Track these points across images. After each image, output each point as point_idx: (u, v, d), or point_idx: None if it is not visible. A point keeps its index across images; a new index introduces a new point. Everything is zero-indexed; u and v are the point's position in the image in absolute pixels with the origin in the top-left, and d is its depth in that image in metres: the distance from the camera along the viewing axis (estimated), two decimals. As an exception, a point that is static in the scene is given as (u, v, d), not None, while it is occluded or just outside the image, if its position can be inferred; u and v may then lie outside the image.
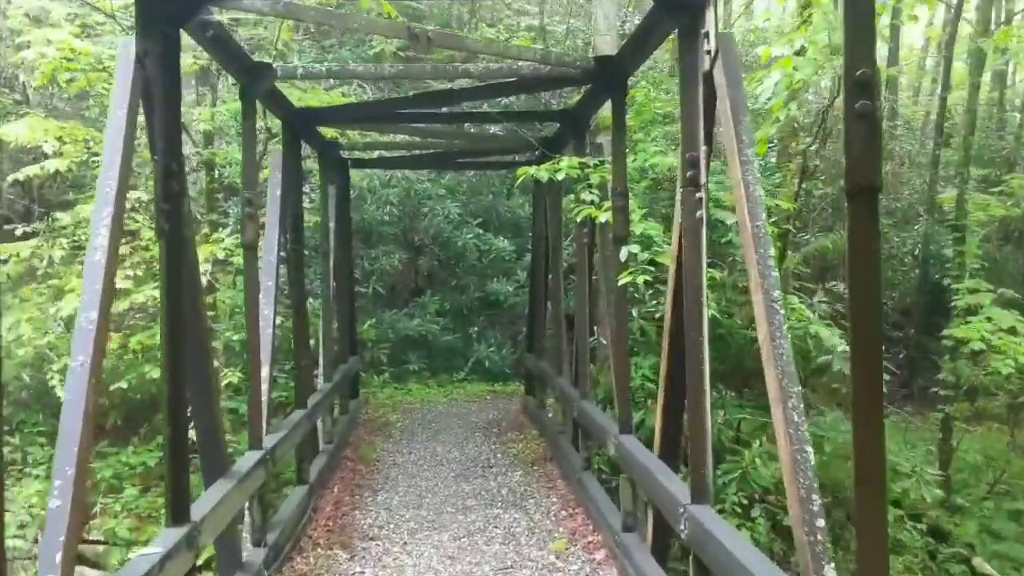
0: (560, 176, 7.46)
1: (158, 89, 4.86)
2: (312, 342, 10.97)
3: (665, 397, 5.78)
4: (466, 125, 11.72)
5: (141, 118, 4.88)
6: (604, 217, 7.06)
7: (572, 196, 12.42)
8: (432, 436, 11.68)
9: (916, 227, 16.94)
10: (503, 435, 11.66)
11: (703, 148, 4.86)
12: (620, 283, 6.57)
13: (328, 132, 11.55)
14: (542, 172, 7.41)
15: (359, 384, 13.53)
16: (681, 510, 4.80)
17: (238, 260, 10.79)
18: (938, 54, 22.35)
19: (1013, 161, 18.82)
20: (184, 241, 5.11)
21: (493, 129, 10.90)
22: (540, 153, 10.31)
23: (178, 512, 4.79)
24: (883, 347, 3.09)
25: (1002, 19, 20.80)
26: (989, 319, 10.46)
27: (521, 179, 7.56)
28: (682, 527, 4.79)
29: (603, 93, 7.20)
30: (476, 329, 16.74)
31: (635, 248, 6.64)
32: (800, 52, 6.30)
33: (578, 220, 7.80)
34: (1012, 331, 9.95)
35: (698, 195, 4.84)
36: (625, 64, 6.49)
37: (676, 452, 6.02)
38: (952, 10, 15.72)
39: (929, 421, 14.44)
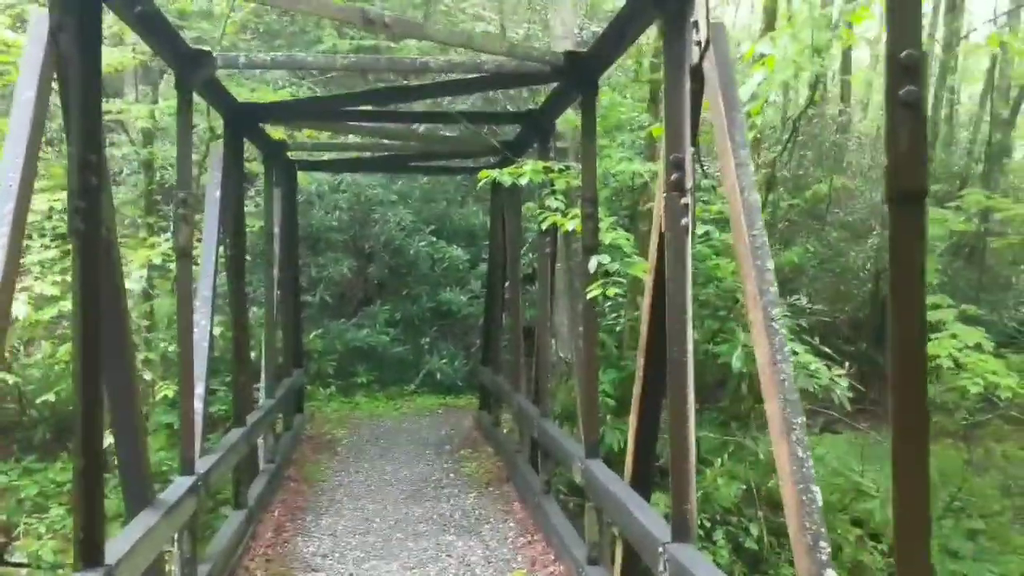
0: (523, 181, 6.94)
1: (75, 69, 4.22)
2: (254, 354, 10.28)
3: (639, 419, 5.27)
4: (423, 127, 11.16)
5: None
6: (571, 225, 6.56)
7: (532, 204, 11.96)
8: (381, 454, 11.04)
9: (869, 241, 16.81)
10: (456, 453, 11.08)
11: (689, 149, 4.38)
12: (589, 295, 6.06)
13: (276, 133, 10.91)
14: (505, 176, 6.88)
15: (304, 398, 12.82)
16: (660, 549, 4.29)
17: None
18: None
19: (965, 176, 18.87)
20: (103, 243, 4.46)
21: (450, 132, 10.33)
22: (500, 158, 9.80)
23: (90, 552, 4.12)
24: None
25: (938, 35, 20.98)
26: (954, 336, 10.21)
27: (481, 183, 7.01)
28: (661, 569, 4.27)
29: (571, 92, 6.70)
30: (428, 340, 16.13)
31: (605, 259, 6.14)
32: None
33: (543, 228, 7.28)
34: (978, 347, 9.70)
35: (684, 201, 4.36)
36: (598, 60, 6.00)
37: (649, 479, 5.52)
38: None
39: (884, 437, 14.23)
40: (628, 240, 6.70)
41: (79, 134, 4.21)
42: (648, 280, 5.10)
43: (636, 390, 5.28)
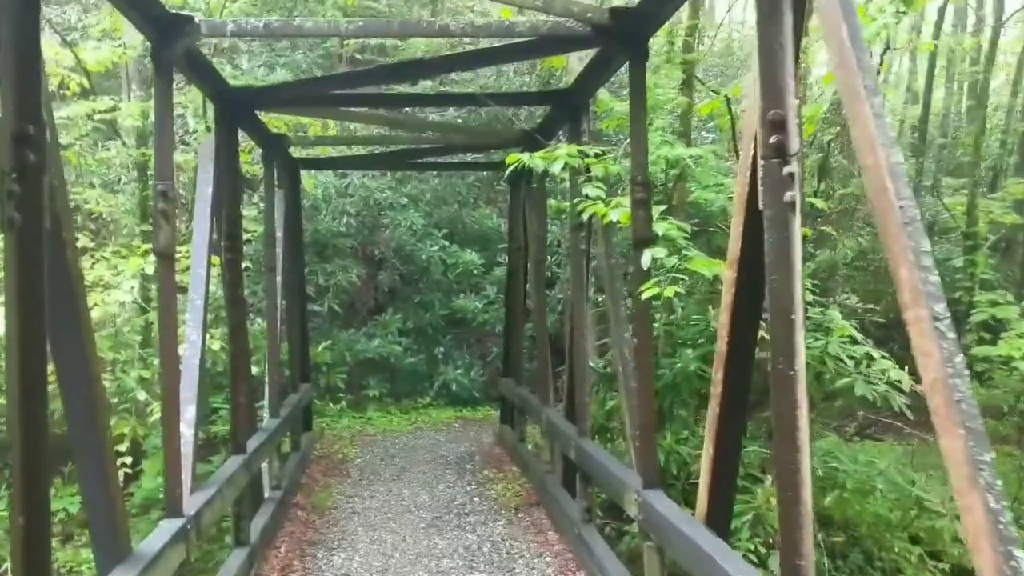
0: (557, 167, 5.94)
1: (6, 21, 3.25)
2: (257, 369, 9.30)
3: (715, 446, 4.27)
4: (437, 115, 10.14)
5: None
6: (616, 215, 5.56)
7: (554, 201, 10.95)
8: (397, 475, 10.03)
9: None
10: (478, 472, 10.06)
11: (793, 103, 3.38)
12: (644, 296, 5.05)
13: (273, 122, 9.96)
14: (536, 160, 5.89)
15: (312, 415, 11.82)
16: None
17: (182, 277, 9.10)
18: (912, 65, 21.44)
19: (998, 168, 17.84)
20: (49, 238, 3.46)
21: (467, 121, 9.35)
22: (522, 149, 8.82)
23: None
24: None
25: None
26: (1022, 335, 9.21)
27: (508, 171, 6.01)
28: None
29: (616, 56, 5.70)
30: (442, 349, 15.14)
31: (661, 252, 5.14)
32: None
33: (579, 220, 6.26)
34: (1048, 345, 8.70)
35: (788, 170, 3.36)
36: (648, 17, 5.01)
37: (728, 519, 4.52)
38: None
39: (931, 442, 13.18)
40: (681, 231, 5.69)
41: (13, 99, 3.24)
42: (728, 275, 4.10)
43: (712, 410, 4.28)
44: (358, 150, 11.30)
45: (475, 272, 15.16)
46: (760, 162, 3.46)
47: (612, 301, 6.33)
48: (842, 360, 7.76)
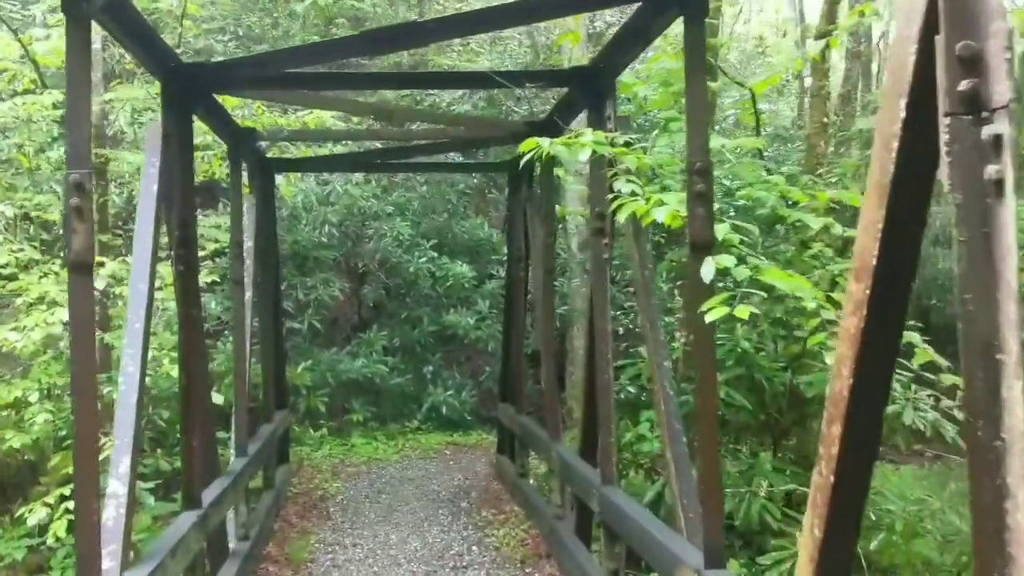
0: (583, 156, 4.72)
1: None
2: (222, 398, 8.00)
3: (826, 524, 3.03)
4: (428, 103, 8.88)
5: None
6: (661, 214, 4.33)
7: (559, 206, 9.74)
8: (383, 515, 8.74)
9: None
10: (475, 512, 8.78)
11: (1006, 27, 2.17)
12: (710, 317, 3.81)
13: (246, 123, 8.72)
14: (558, 146, 4.66)
15: (289, 444, 10.49)
16: None
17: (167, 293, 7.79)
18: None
19: None
20: None
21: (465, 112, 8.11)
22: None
23: None
24: None
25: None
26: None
27: (525, 159, 4.75)
28: None
29: (665, 12, 4.48)
30: (431, 368, 13.85)
31: (728, 260, 3.92)
32: None
33: (610, 221, 5.01)
34: None
35: (993, 130, 2.14)
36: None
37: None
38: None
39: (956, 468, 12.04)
40: (739, 235, 4.47)
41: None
42: (855, 290, 2.88)
43: (823, 479, 3.04)
44: (340, 149, 10.05)
45: (466, 285, 13.90)
46: (945, 120, 2.23)
47: (648, 320, 5.11)
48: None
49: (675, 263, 8.78)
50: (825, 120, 10.14)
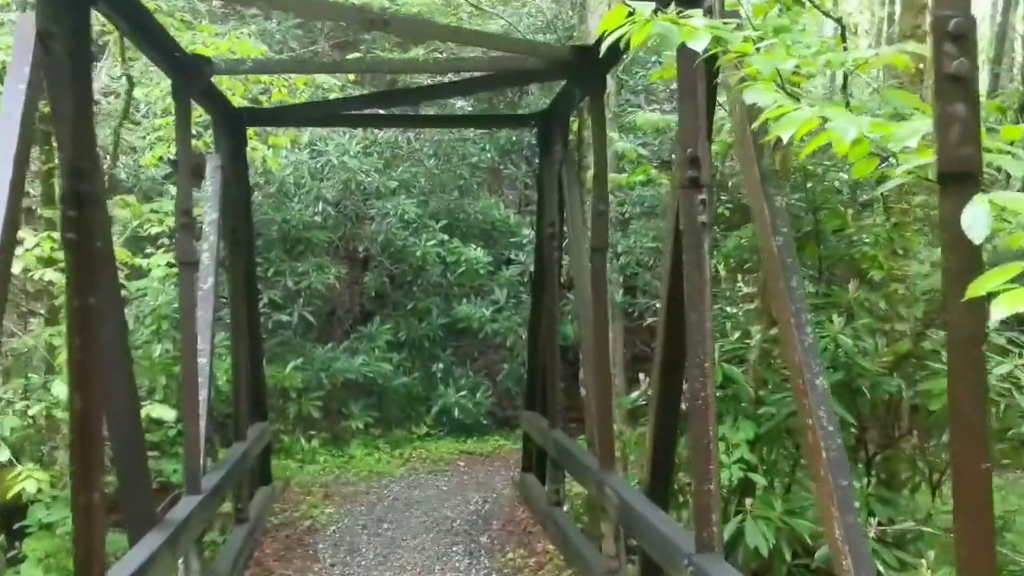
0: (699, 43, 2.76)
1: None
2: (174, 414, 6.08)
3: None
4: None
5: None
6: (850, 131, 2.38)
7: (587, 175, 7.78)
8: (384, 554, 6.84)
9: None
10: (499, 552, 6.87)
11: None
12: (1000, 310, 1.87)
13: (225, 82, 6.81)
14: (665, 24, 2.70)
15: (270, 461, 8.55)
16: None
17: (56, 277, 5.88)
18: None
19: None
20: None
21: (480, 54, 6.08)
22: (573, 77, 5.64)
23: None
24: None
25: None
26: None
27: (607, 42, 2.77)
28: None
29: None
30: (441, 366, 11.92)
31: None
32: None
33: (781, 135, 3.04)
34: None
35: None
36: None
37: None
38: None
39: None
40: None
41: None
42: None
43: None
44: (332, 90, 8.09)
45: (481, 272, 11.92)
46: None
47: (788, 312, 3.17)
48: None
49: (743, 240, 6.85)
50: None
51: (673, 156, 5.67)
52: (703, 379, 3.84)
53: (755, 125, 2.94)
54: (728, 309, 7.02)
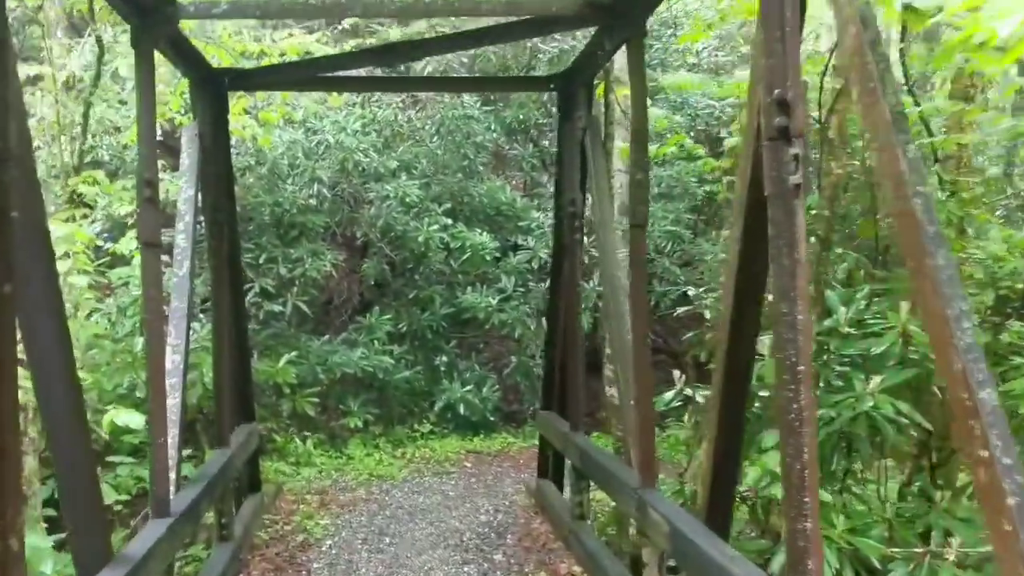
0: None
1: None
2: (138, 420, 5.19)
3: None
4: None
5: None
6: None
7: (620, 143, 6.85)
8: (385, 575, 5.96)
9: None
10: (516, 569, 6.01)
11: None
12: None
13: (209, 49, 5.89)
14: None
15: (259, 467, 7.65)
16: None
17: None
18: None
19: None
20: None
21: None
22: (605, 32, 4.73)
23: None
24: None
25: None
26: None
27: None
28: None
29: None
30: (445, 359, 11.04)
31: None
32: None
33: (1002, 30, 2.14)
34: None
35: None
36: None
37: None
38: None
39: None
40: None
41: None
42: None
43: None
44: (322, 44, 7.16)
45: (487, 258, 11.02)
46: None
47: (943, 296, 2.28)
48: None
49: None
50: None
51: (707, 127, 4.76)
52: (797, 387, 2.95)
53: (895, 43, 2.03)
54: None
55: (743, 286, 3.60)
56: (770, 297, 5.36)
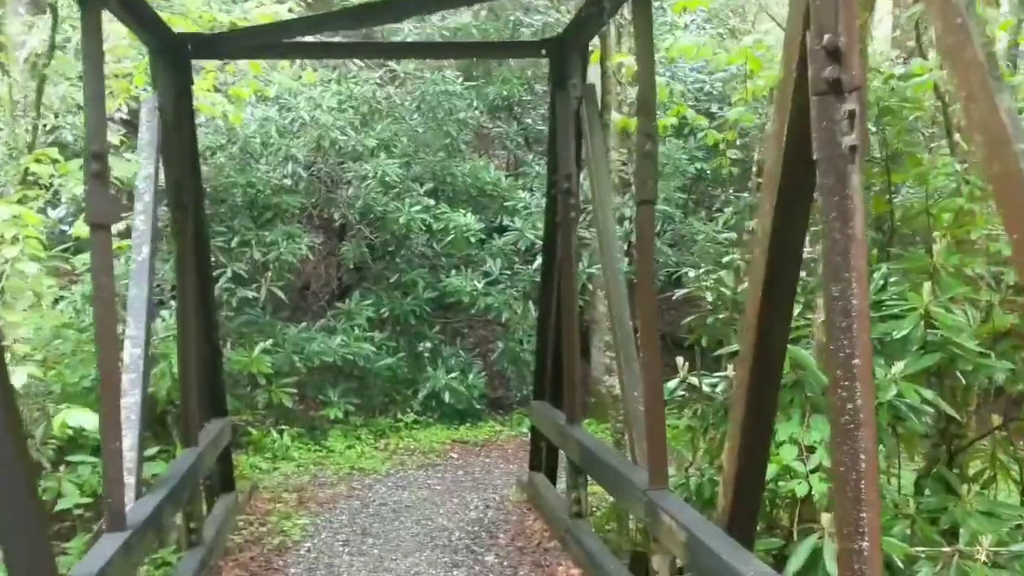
0: None
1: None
2: (91, 421, 4.67)
3: None
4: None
5: None
6: None
7: (618, 116, 6.36)
8: (370, 582, 5.51)
9: None
10: (510, 573, 5.56)
11: None
12: None
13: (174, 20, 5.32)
14: None
15: (232, 464, 7.14)
16: None
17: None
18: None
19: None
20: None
21: None
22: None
23: None
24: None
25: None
26: None
27: None
28: None
29: None
30: (428, 345, 10.54)
31: None
32: None
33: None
34: None
35: None
36: None
37: None
38: None
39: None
40: None
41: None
42: None
43: None
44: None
45: (471, 240, 10.52)
46: None
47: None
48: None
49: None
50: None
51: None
52: (852, 384, 2.51)
53: None
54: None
55: (776, 266, 3.14)
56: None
